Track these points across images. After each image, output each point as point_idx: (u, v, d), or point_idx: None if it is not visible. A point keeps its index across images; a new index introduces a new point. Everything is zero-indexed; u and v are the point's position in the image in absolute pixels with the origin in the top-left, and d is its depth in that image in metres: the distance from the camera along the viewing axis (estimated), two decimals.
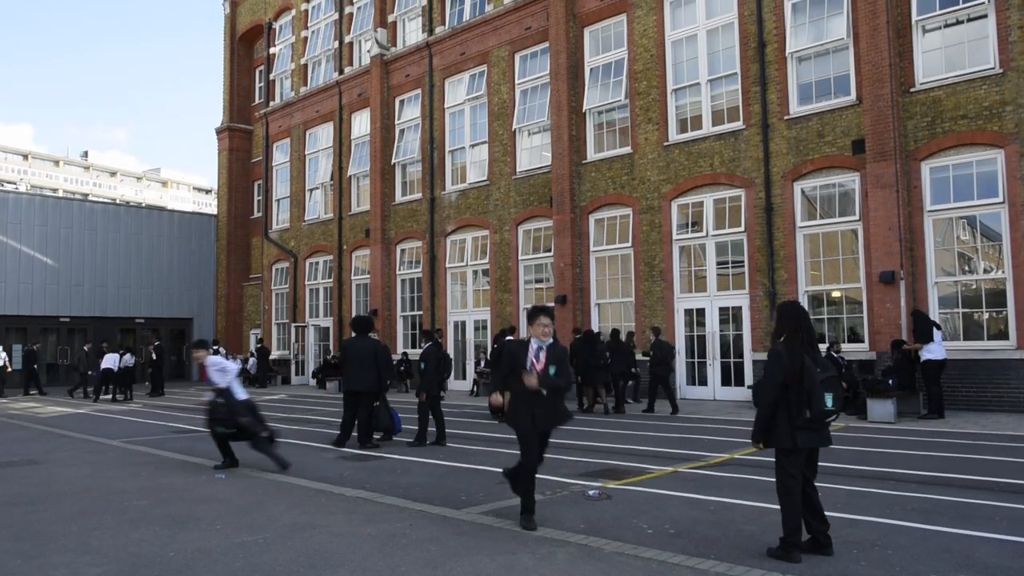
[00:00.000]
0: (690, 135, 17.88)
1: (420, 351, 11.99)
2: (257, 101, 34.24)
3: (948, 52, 14.59)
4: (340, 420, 11.58)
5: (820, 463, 5.40)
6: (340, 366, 11.12)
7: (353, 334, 11.43)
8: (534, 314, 6.03)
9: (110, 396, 22.77)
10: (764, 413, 5.09)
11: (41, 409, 19.73)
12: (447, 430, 11.37)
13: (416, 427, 11.18)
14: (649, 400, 15.52)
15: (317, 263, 28.40)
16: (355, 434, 11.02)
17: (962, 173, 14.25)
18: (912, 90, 14.71)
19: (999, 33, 13.85)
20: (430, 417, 11.10)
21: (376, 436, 11.24)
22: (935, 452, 9.39)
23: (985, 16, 14.11)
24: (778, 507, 5.10)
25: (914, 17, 14.73)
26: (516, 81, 21.75)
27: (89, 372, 23.80)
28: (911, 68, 14.80)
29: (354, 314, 26.29)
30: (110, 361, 22.49)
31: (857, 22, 15.33)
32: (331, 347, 26.92)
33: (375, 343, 11.34)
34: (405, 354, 23.55)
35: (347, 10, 27.77)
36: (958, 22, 14.52)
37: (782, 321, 5.19)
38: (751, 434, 5.23)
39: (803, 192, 16.17)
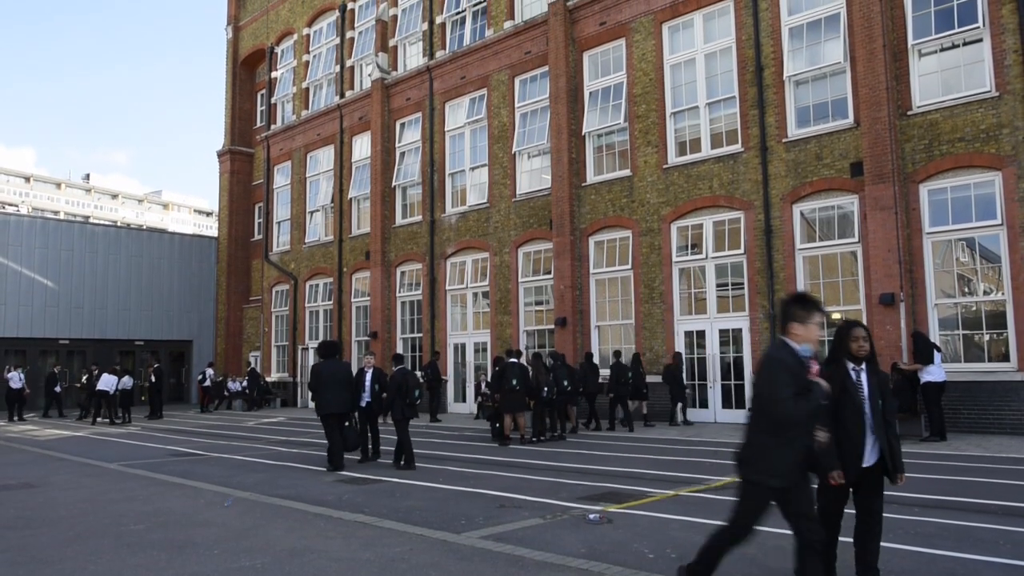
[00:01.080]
0: (689, 158, 17.97)
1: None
2: (259, 124, 34.47)
3: (944, 76, 14.70)
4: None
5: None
6: (312, 390, 11.51)
7: (321, 359, 11.89)
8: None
9: (107, 419, 22.62)
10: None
11: (39, 432, 19.65)
12: (415, 451, 11.56)
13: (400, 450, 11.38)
14: (610, 419, 16.50)
15: (317, 285, 28.42)
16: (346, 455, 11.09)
17: (960, 195, 14.30)
18: (909, 113, 14.81)
19: (994, 57, 13.97)
20: (375, 434, 11.76)
21: (357, 458, 11.75)
22: (937, 475, 9.33)
23: (980, 40, 14.24)
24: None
25: (910, 41, 14.86)
26: (516, 104, 21.90)
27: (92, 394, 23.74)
28: (908, 91, 14.91)
29: (354, 337, 26.30)
30: (106, 383, 22.42)
31: (854, 46, 15.46)
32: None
33: (346, 365, 11.88)
34: None
35: (348, 35, 28.04)
36: (954, 46, 14.65)
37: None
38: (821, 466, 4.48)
39: (802, 214, 16.22)
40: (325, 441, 11.58)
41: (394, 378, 11.85)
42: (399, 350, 24.70)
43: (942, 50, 14.77)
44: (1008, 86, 13.73)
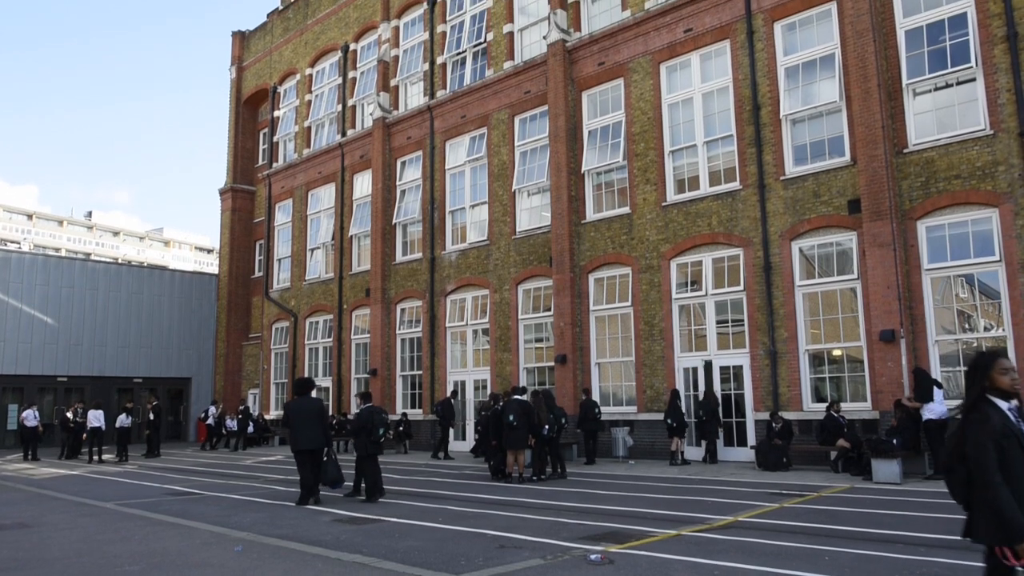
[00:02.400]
0: (688, 195, 18.10)
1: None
2: (261, 162, 34.79)
3: (939, 114, 14.88)
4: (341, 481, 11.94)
5: (824, 525, 5.28)
6: (285, 427, 11.71)
7: (295, 396, 12.17)
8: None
9: (98, 457, 22.24)
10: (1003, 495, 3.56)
11: (35, 471, 19.46)
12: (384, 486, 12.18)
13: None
14: (586, 453, 17.24)
15: (317, 322, 28.40)
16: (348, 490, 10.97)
17: (958, 232, 14.37)
18: (905, 151, 14.95)
19: (988, 96, 14.15)
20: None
21: (336, 492, 12.04)
22: (943, 514, 9.22)
23: (974, 80, 14.44)
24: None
25: (904, 80, 15.07)
26: (516, 143, 22.12)
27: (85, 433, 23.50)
28: (904, 129, 15.08)
29: (354, 374, 26.20)
30: (96, 419, 22.22)
31: (849, 85, 15.67)
32: (330, 408, 26.68)
33: (319, 403, 12.12)
34: (404, 414, 23.35)
35: (350, 75, 28.43)
36: (948, 85, 14.85)
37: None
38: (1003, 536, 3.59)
39: (801, 251, 16.28)
40: (342, 482, 11.78)
41: (360, 416, 12.25)
42: (398, 388, 24.60)
43: (936, 89, 14.96)
44: (1002, 124, 13.88)
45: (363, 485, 12.14)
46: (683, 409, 16.63)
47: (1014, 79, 13.77)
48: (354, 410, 13.60)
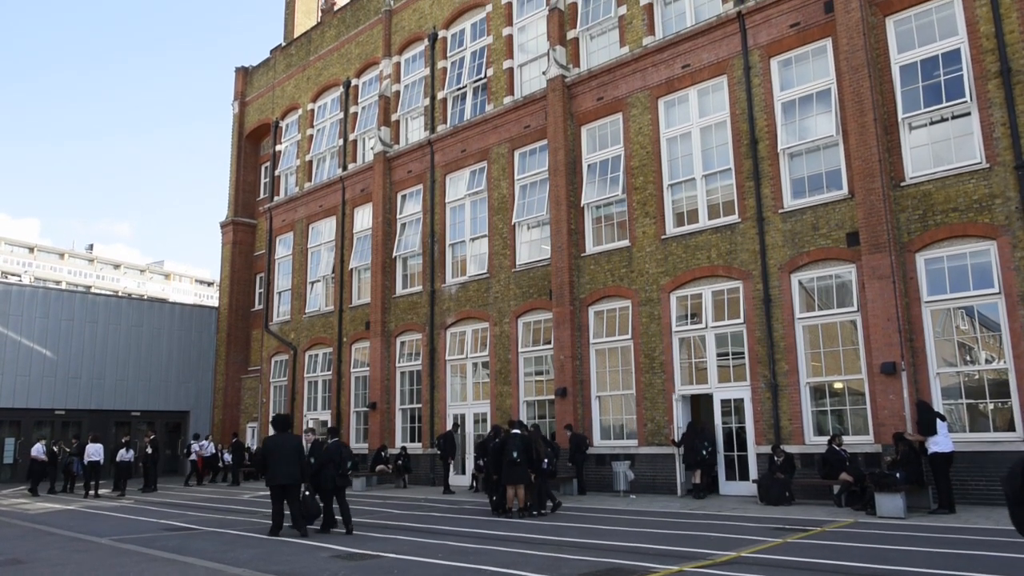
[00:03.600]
0: (687, 228, 18.18)
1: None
2: (262, 196, 35.01)
3: (935, 148, 15.01)
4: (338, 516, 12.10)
5: (829, 560, 5.22)
6: (263, 462, 11.84)
7: (275, 431, 12.41)
8: None
9: (93, 491, 21.98)
10: None
11: (29, 505, 19.26)
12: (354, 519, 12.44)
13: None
14: (579, 485, 17.81)
15: (316, 355, 28.33)
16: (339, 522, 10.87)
17: (957, 264, 14.41)
18: (903, 184, 15.05)
19: (983, 130, 14.29)
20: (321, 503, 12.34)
21: (314, 526, 12.20)
22: (949, 549, 9.12)
23: (969, 114, 14.59)
24: None
25: (900, 115, 15.23)
26: (516, 177, 22.28)
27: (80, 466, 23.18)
28: (900, 163, 15.19)
29: (353, 407, 26.07)
30: (95, 453, 22.01)
31: (845, 120, 15.83)
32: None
33: (298, 439, 12.48)
34: (404, 448, 23.19)
35: (352, 110, 28.74)
36: (943, 119, 15.00)
37: None
38: None
39: (800, 284, 16.30)
40: (321, 515, 11.70)
41: (328, 450, 12.49)
42: (398, 421, 24.47)
43: (932, 123, 15.12)
44: (998, 158, 14.00)
45: (339, 518, 12.36)
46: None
47: (1008, 113, 13.92)
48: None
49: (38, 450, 23.44)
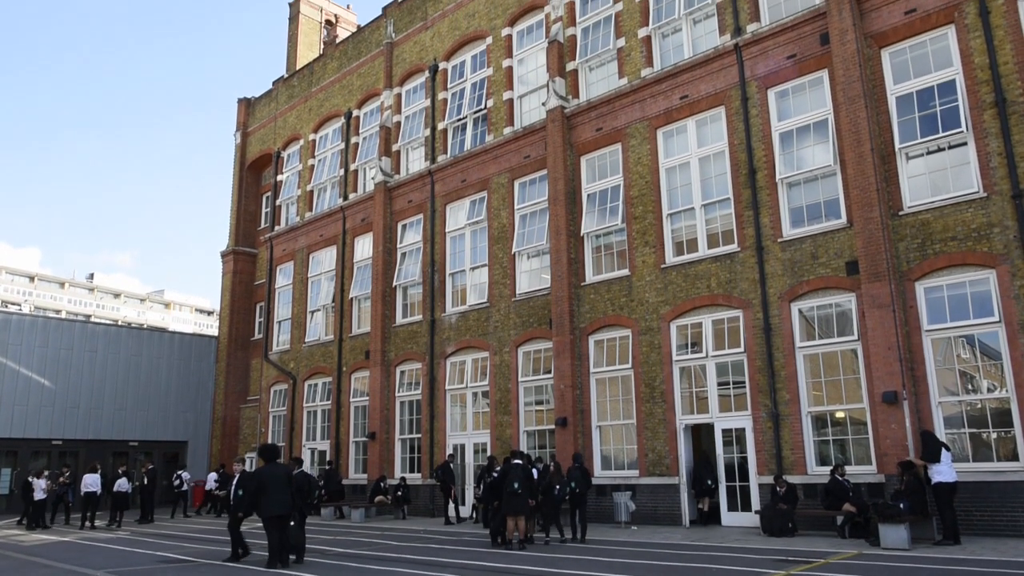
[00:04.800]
0: (686, 257, 18.22)
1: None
2: (263, 225, 35.14)
3: (933, 177, 15.09)
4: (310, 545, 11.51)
5: None
6: (256, 494, 11.74)
7: (266, 463, 12.42)
8: None
9: (89, 523, 21.72)
10: None
11: (24, 537, 19.06)
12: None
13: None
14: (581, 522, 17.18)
15: (316, 385, 28.23)
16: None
17: (956, 293, 14.42)
18: (901, 213, 15.12)
19: (980, 159, 14.39)
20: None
21: (292, 557, 12.14)
22: None
23: (965, 144, 14.71)
24: None
25: (897, 144, 15.35)
26: (515, 206, 22.38)
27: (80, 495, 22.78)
28: (898, 192, 15.27)
29: (352, 437, 25.92)
30: (92, 483, 21.79)
31: (843, 149, 15.95)
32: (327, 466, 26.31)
33: (288, 469, 12.61)
34: (403, 479, 23.01)
35: (353, 140, 28.98)
36: (940, 149, 15.11)
37: None
38: None
39: (800, 312, 16.30)
40: (319, 547, 11.52)
41: (296, 479, 12.65)
42: (397, 451, 24.31)
43: (929, 153, 15.23)
44: (995, 187, 14.07)
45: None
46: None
47: (1005, 143, 14.03)
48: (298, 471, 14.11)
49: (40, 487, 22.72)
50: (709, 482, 16.81)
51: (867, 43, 16.03)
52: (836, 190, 16.25)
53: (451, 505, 20.11)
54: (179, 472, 27.71)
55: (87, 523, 21.75)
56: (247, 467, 16.61)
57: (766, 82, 17.53)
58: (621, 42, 20.55)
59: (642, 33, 20.09)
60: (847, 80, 15.76)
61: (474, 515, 20.14)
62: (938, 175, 15.03)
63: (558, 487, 15.36)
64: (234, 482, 13.36)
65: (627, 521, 17.19)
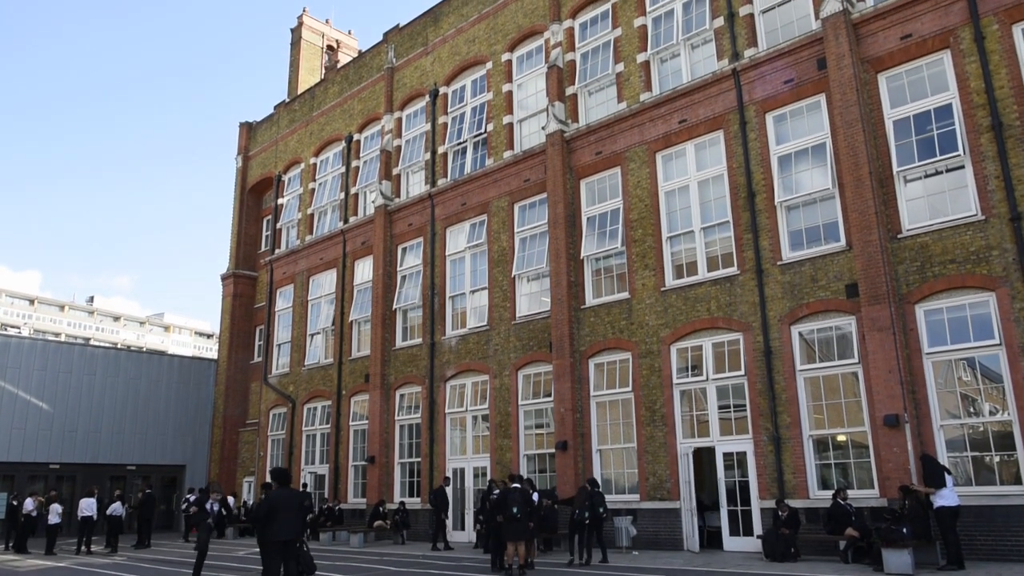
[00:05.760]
0: (686, 280, 18.24)
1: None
2: (263, 248, 35.19)
3: (931, 200, 15.15)
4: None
5: None
6: (266, 518, 11.51)
7: (274, 485, 12.32)
8: None
9: (83, 548, 21.49)
10: None
11: (19, 563, 18.88)
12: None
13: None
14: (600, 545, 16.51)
15: (315, 408, 28.12)
16: None
17: (956, 315, 14.41)
18: (900, 236, 15.15)
19: (978, 182, 14.45)
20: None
21: None
22: None
23: (963, 167, 14.78)
24: None
25: (895, 168, 15.42)
26: (515, 229, 22.45)
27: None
28: (897, 215, 15.32)
29: (351, 461, 25.76)
30: (87, 508, 21.61)
31: (841, 173, 16.03)
32: (326, 495, 26.14)
33: (299, 493, 12.19)
34: (402, 503, 22.84)
35: (354, 164, 29.12)
36: (937, 172, 15.18)
37: None
38: None
39: (801, 335, 16.28)
40: (322, 574, 11.34)
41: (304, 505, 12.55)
42: (397, 475, 24.15)
43: (927, 176, 15.30)
44: (994, 210, 14.12)
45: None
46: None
47: (1002, 166, 14.10)
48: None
49: (53, 511, 22.38)
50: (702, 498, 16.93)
51: (864, 68, 16.17)
52: (835, 213, 16.30)
53: (448, 529, 19.92)
54: (187, 496, 27.51)
55: (83, 548, 21.56)
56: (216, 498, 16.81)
57: (764, 106, 17.66)
58: (620, 67, 20.73)
59: (641, 58, 20.27)
60: (844, 104, 15.88)
61: (476, 541, 19.96)
62: (936, 198, 15.09)
63: (576, 511, 15.45)
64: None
65: (628, 546, 17.03)
